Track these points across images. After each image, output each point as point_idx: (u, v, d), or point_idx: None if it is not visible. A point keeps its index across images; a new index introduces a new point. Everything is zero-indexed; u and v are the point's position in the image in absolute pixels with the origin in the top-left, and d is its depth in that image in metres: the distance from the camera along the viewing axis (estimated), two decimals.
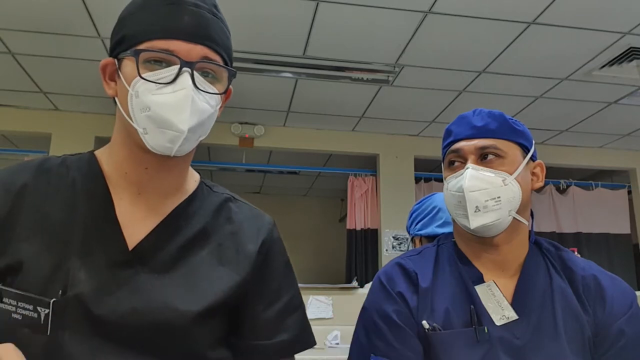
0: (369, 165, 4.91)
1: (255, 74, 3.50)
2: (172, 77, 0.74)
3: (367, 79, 3.65)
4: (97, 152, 0.85)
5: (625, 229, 5.13)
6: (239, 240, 0.86)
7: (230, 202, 0.90)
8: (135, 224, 0.79)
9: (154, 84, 0.73)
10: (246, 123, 4.49)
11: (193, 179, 0.90)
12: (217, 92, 0.79)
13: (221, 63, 0.79)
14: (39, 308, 0.70)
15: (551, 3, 2.69)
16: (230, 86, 0.83)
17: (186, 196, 0.86)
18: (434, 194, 1.99)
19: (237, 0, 2.71)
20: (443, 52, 3.25)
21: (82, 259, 0.74)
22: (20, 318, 0.70)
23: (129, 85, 0.75)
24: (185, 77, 0.74)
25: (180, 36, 0.75)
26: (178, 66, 0.74)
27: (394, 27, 2.96)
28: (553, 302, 0.99)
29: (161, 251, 0.79)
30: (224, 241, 0.84)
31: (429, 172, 4.96)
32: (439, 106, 4.15)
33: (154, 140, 0.75)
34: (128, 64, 0.76)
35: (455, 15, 2.83)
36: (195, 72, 0.75)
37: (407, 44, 3.16)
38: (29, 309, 0.71)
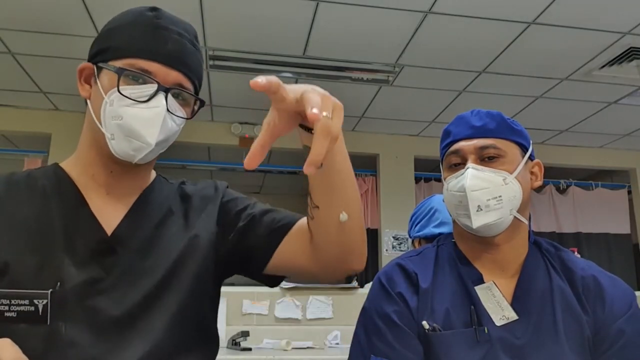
0: (369, 165, 4.90)
1: (255, 74, 3.49)
2: (147, 97, 0.80)
3: (367, 79, 3.65)
4: (61, 163, 0.90)
5: (625, 229, 5.12)
6: (202, 206, 0.93)
7: (185, 185, 0.98)
8: (108, 216, 0.85)
9: (130, 99, 0.79)
10: (246, 123, 4.49)
11: (152, 176, 0.97)
12: (185, 116, 0.86)
13: (192, 89, 0.87)
14: (35, 301, 0.74)
15: (551, 3, 2.69)
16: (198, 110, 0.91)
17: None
18: (431, 197, 2.01)
19: (237, 0, 2.71)
20: (443, 52, 3.25)
21: (68, 255, 0.78)
22: (14, 315, 0.73)
23: (106, 94, 0.80)
24: (160, 97, 0.80)
25: (160, 59, 0.82)
26: (155, 87, 0.80)
27: (394, 27, 2.96)
28: (553, 302, 0.99)
29: (137, 232, 0.84)
30: (189, 214, 0.92)
31: (429, 172, 4.96)
32: (439, 106, 4.15)
33: (119, 147, 0.80)
34: (108, 74, 0.81)
35: (455, 15, 2.83)
36: (169, 95, 0.82)
37: (407, 44, 3.16)
38: (24, 304, 0.73)
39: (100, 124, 0.81)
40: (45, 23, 2.93)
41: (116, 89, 0.79)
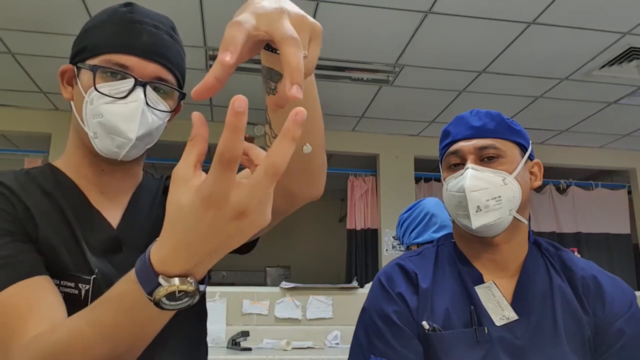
0: (369, 165, 4.90)
1: (255, 74, 3.50)
2: (125, 93, 0.79)
3: (367, 79, 3.65)
4: (54, 163, 0.90)
5: (625, 229, 5.13)
6: None
7: (168, 179, 0.98)
8: (106, 214, 0.85)
9: (108, 96, 0.79)
10: (246, 123, 4.49)
11: (141, 174, 0.97)
12: (167, 109, 0.84)
13: (173, 82, 0.85)
14: (80, 285, 0.76)
15: (551, 3, 2.69)
16: (182, 102, 0.89)
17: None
18: (421, 201, 1.99)
19: (237, 0, 2.71)
20: (443, 52, 3.25)
21: (87, 247, 0.80)
22: (62, 296, 0.73)
23: (85, 93, 0.80)
24: (138, 92, 0.79)
25: (136, 52, 0.81)
26: (132, 82, 0.79)
27: (394, 27, 2.96)
28: (553, 302, 0.99)
29: (136, 231, 0.85)
30: None
31: (429, 172, 4.96)
32: (439, 106, 4.15)
33: (102, 144, 0.80)
34: (86, 73, 0.81)
35: (455, 15, 2.83)
36: (147, 88, 0.80)
37: (407, 44, 3.16)
38: (70, 286, 0.76)
39: (83, 124, 0.81)
40: (45, 23, 2.93)
41: (94, 87, 0.79)
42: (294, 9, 0.51)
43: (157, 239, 0.51)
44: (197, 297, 0.52)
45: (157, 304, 0.51)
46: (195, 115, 0.48)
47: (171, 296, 0.50)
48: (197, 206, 0.46)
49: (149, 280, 0.50)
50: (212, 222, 0.46)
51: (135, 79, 0.79)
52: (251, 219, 0.46)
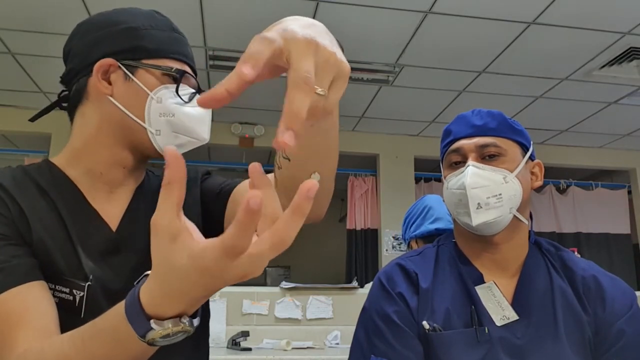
0: (369, 165, 4.90)
1: None
2: (188, 97, 0.84)
3: (367, 79, 3.65)
4: (53, 160, 0.88)
5: (625, 229, 5.13)
6: (186, 191, 0.93)
7: None
8: (107, 214, 0.84)
9: (176, 97, 0.83)
10: (246, 123, 4.49)
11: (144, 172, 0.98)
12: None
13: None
14: (74, 291, 0.75)
15: (551, 3, 2.70)
16: None
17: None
18: (423, 197, 2.02)
19: (237, 0, 2.71)
20: (443, 52, 3.25)
21: (84, 251, 0.78)
22: (57, 301, 0.72)
23: (151, 91, 0.82)
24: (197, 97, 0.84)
25: (187, 61, 0.87)
26: (195, 89, 0.86)
27: (394, 27, 2.96)
28: (553, 302, 0.99)
29: (137, 231, 0.83)
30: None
31: (429, 172, 4.96)
32: (439, 106, 4.15)
33: (164, 142, 0.82)
34: (149, 72, 0.83)
35: (455, 15, 2.83)
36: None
37: (407, 44, 3.16)
38: (65, 292, 0.75)
39: (143, 121, 0.81)
40: (45, 23, 2.93)
41: (162, 87, 0.82)
42: (326, 42, 0.48)
43: (147, 278, 0.49)
44: (192, 330, 0.50)
45: (151, 343, 0.50)
46: (169, 152, 0.44)
47: (165, 336, 0.49)
48: (193, 271, 0.44)
49: (140, 323, 0.49)
50: (209, 282, 0.45)
51: (198, 85, 0.85)
52: (247, 277, 0.46)
